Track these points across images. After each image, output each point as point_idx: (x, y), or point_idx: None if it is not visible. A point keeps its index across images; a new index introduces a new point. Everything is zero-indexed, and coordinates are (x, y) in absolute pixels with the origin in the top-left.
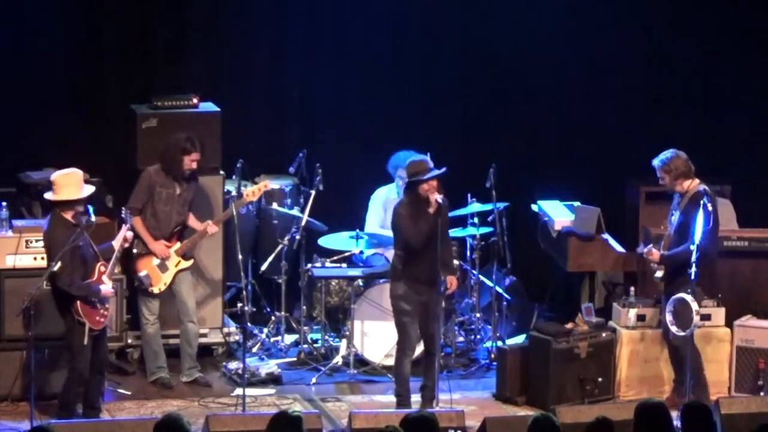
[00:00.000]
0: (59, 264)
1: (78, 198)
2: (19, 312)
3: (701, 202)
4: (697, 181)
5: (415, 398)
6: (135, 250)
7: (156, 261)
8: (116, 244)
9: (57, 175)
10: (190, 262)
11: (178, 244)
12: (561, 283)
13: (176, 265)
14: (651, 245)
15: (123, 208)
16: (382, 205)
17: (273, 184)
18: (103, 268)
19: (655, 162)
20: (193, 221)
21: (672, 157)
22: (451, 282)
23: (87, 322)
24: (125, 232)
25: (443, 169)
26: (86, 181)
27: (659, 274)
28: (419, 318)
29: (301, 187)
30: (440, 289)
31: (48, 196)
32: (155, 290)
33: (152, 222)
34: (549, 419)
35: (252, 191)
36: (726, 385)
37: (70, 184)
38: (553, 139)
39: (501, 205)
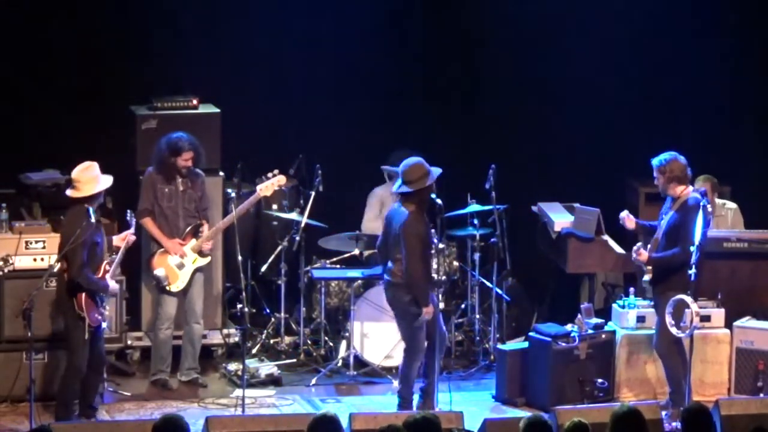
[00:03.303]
0: (59, 265)
1: (99, 191)
2: (18, 313)
3: (701, 203)
4: (690, 188)
5: (414, 398)
6: (151, 250)
7: (173, 260)
8: (117, 240)
9: (76, 172)
10: (207, 259)
11: (193, 241)
12: (560, 285)
13: (194, 262)
14: (640, 245)
15: (128, 211)
16: (379, 202)
17: (281, 179)
18: (108, 267)
19: (654, 161)
20: (206, 228)
21: (671, 160)
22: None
23: (87, 317)
24: (128, 234)
25: (440, 170)
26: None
27: (647, 277)
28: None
29: (301, 188)
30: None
31: (70, 193)
32: (174, 288)
33: (162, 221)
34: (542, 420)
35: (266, 186)
36: (726, 387)
37: (90, 179)
38: (552, 140)
39: (500, 206)
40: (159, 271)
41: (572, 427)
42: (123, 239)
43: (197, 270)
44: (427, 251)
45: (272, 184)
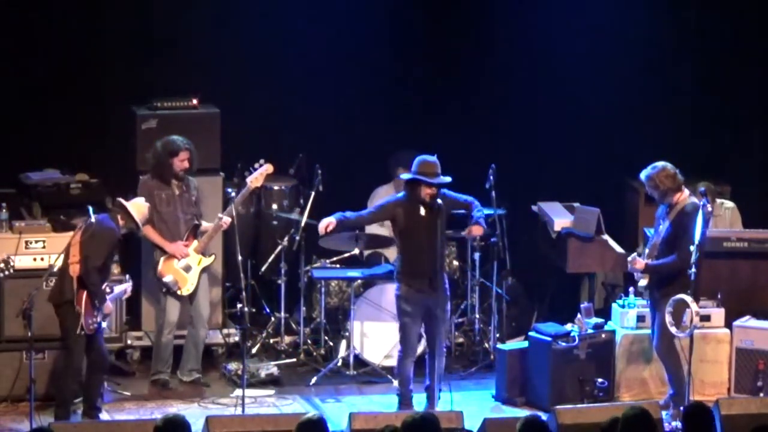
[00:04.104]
0: (60, 264)
1: (131, 214)
2: (18, 313)
3: (699, 206)
4: (686, 193)
5: (420, 398)
6: (155, 258)
7: (179, 264)
8: (117, 289)
9: (142, 200)
10: (212, 258)
11: (195, 242)
12: (560, 285)
13: (199, 263)
14: (635, 255)
15: (127, 275)
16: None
17: (268, 167)
18: (108, 290)
19: (641, 176)
20: (205, 225)
21: (656, 173)
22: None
23: (82, 315)
24: (126, 287)
25: (449, 179)
26: (85, 183)
27: (643, 282)
28: (422, 319)
29: (301, 188)
30: (445, 289)
31: (121, 198)
32: (185, 292)
33: (162, 226)
34: (538, 420)
35: (256, 177)
36: (726, 386)
37: (141, 211)
38: (552, 140)
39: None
40: (168, 278)
41: (609, 423)
42: (120, 288)
43: (204, 269)
44: (378, 219)
45: (261, 174)
